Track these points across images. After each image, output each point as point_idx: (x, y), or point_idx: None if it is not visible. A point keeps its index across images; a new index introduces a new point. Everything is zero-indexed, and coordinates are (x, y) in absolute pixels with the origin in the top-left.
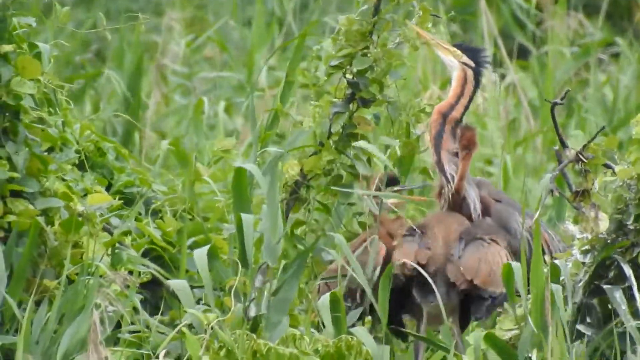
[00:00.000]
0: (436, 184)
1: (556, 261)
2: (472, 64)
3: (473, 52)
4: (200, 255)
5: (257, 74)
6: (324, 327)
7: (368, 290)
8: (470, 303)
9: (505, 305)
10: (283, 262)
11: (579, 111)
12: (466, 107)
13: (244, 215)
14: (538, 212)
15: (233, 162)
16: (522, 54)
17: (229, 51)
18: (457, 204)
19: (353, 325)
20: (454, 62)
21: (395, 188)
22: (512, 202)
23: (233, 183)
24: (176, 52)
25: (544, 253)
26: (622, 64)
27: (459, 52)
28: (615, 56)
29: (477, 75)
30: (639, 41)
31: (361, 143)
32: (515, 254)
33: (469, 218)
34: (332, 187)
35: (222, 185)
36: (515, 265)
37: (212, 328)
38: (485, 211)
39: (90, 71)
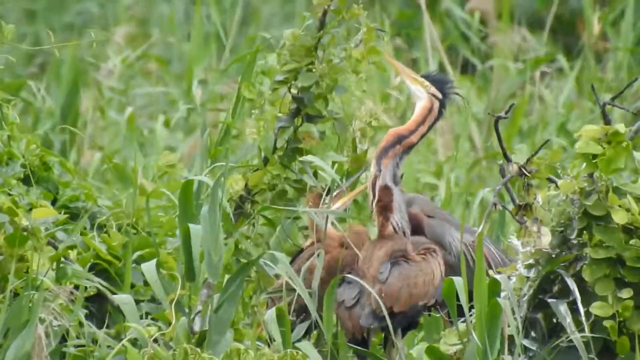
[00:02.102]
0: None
1: (499, 275)
2: (439, 95)
3: (440, 83)
4: (149, 268)
5: (195, 88)
6: (271, 341)
7: (311, 306)
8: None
9: (446, 317)
10: (227, 276)
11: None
12: (423, 135)
13: (191, 227)
14: (481, 226)
15: (178, 176)
16: (466, 68)
17: (165, 66)
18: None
19: (299, 340)
20: (423, 92)
21: (336, 191)
22: (447, 217)
23: (180, 195)
24: (114, 67)
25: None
26: (563, 78)
27: (427, 82)
28: (559, 71)
29: (442, 107)
30: (582, 56)
31: (309, 157)
32: (452, 269)
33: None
34: (276, 204)
35: (165, 201)
36: (457, 279)
37: (155, 342)
38: (418, 227)
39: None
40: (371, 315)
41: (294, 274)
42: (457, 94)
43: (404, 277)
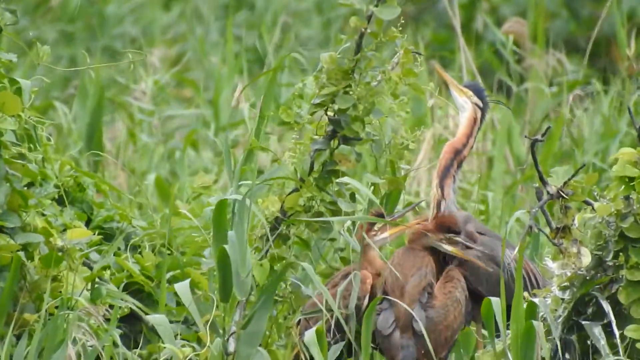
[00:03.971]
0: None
1: (537, 298)
2: (481, 104)
3: (479, 92)
4: (183, 288)
5: (225, 110)
6: None
7: (346, 327)
8: None
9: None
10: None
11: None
12: (471, 147)
13: (227, 247)
14: (519, 247)
15: (210, 197)
16: (501, 91)
17: (197, 88)
18: None
19: None
20: (468, 103)
21: (382, 221)
22: (497, 235)
23: (214, 216)
24: (146, 88)
25: (532, 285)
26: (597, 102)
27: (471, 92)
28: (595, 94)
29: (483, 116)
30: (616, 79)
31: (346, 179)
32: (506, 285)
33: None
34: (311, 227)
35: (198, 221)
36: (495, 300)
37: None
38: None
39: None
40: (408, 347)
41: (325, 289)
42: (498, 101)
43: (437, 324)
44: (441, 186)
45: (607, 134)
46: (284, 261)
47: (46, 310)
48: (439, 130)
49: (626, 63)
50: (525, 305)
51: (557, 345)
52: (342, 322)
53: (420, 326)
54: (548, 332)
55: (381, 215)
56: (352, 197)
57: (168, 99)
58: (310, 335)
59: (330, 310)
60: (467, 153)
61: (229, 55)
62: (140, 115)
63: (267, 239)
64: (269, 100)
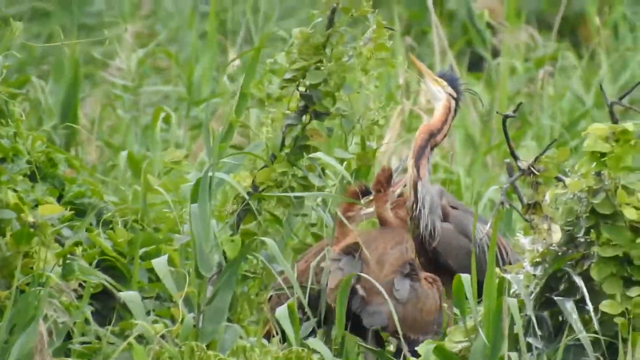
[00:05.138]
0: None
1: (507, 274)
2: (454, 94)
3: (454, 82)
4: (161, 264)
5: (201, 85)
6: (282, 339)
7: (321, 301)
8: None
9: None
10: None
11: (531, 123)
12: (445, 135)
13: (191, 222)
14: (492, 222)
15: (185, 173)
16: (475, 65)
17: (177, 61)
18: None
19: (306, 338)
20: (442, 92)
21: (355, 201)
22: (469, 209)
23: (192, 192)
24: (122, 64)
25: (503, 261)
26: (571, 76)
27: (445, 82)
28: (566, 70)
29: (457, 105)
30: (587, 54)
31: (318, 154)
32: (477, 260)
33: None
34: (283, 201)
35: (172, 196)
36: (465, 276)
37: (161, 339)
38: (444, 219)
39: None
40: (377, 314)
41: (289, 267)
42: (471, 91)
43: (419, 307)
44: (417, 166)
45: (575, 109)
46: (252, 237)
47: (17, 287)
48: (408, 106)
49: (596, 39)
50: (497, 281)
51: (529, 322)
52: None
53: (402, 294)
54: (521, 309)
55: (366, 190)
56: (323, 172)
57: (148, 73)
58: (282, 310)
59: (303, 286)
60: (441, 140)
61: (210, 29)
62: (116, 90)
63: (239, 215)
64: (250, 77)
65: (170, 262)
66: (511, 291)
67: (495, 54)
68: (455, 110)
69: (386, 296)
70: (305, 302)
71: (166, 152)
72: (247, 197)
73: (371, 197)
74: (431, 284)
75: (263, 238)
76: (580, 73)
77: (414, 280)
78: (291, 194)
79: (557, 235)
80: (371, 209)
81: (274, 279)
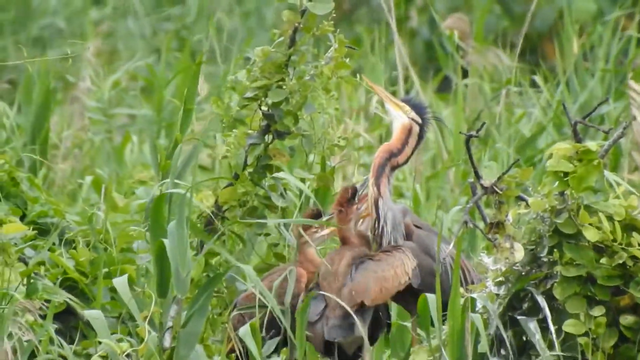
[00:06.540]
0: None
1: (475, 293)
2: (419, 120)
3: (419, 108)
4: (121, 283)
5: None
6: (242, 357)
7: (284, 320)
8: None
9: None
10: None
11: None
12: (409, 157)
13: (165, 242)
14: (455, 243)
15: (138, 192)
16: (443, 87)
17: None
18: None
19: (269, 357)
20: (404, 117)
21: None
22: (433, 229)
23: (151, 211)
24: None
25: (465, 281)
26: (533, 98)
27: (408, 107)
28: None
29: (422, 132)
30: (552, 76)
31: (281, 174)
32: (441, 280)
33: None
34: (246, 218)
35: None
36: (430, 296)
37: (127, 358)
38: (408, 238)
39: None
40: (335, 328)
41: (265, 288)
42: (437, 118)
43: (371, 271)
44: (377, 184)
45: (543, 130)
46: (219, 257)
47: None
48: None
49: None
50: (462, 301)
51: (493, 341)
52: (278, 317)
53: (354, 275)
54: (485, 328)
55: (318, 214)
56: (285, 192)
57: (120, 94)
58: (245, 329)
59: (264, 305)
60: (403, 161)
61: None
62: (90, 114)
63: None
64: (192, 94)
65: (133, 281)
66: (476, 310)
67: (465, 75)
68: (421, 137)
69: (343, 304)
70: (265, 321)
71: (134, 171)
72: (212, 216)
73: (330, 217)
74: (390, 252)
75: (243, 266)
76: (541, 94)
77: (364, 261)
78: (256, 220)
79: (519, 254)
80: (325, 232)
81: (237, 297)
